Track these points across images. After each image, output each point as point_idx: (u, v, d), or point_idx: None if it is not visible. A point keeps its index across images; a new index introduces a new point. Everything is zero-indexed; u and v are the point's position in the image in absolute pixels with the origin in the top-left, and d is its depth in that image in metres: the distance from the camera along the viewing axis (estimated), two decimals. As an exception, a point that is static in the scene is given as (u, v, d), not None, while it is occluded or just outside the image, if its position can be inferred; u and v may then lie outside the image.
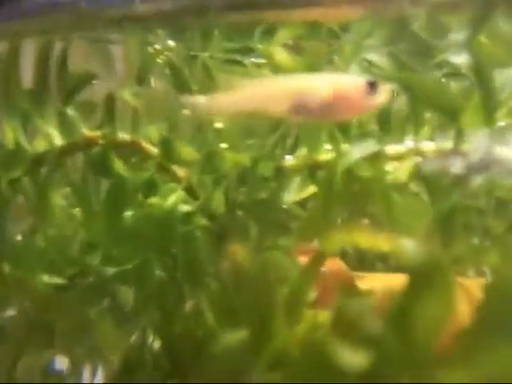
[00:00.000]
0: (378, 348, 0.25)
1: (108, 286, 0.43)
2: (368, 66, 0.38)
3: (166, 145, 0.37)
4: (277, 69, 0.37)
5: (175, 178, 0.40)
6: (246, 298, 0.29)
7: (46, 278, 0.43)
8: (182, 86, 0.41)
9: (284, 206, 0.40)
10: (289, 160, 0.40)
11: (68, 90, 0.38)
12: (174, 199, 0.40)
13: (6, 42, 0.38)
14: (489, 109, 0.34)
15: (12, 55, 0.38)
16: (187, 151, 0.37)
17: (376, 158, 0.35)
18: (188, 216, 0.41)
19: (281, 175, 0.39)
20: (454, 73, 0.38)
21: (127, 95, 0.37)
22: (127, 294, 0.43)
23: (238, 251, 0.29)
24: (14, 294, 0.43)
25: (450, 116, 0.35)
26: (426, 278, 0.25)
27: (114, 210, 0.41)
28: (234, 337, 0.30)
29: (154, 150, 0.39)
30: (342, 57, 0.38)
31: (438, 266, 0.25)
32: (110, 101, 0.37)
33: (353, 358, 0.23)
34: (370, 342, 0.26)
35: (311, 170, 0.38)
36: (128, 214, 0.42)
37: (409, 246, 0.26)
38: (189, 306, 0.42)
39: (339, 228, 0.31)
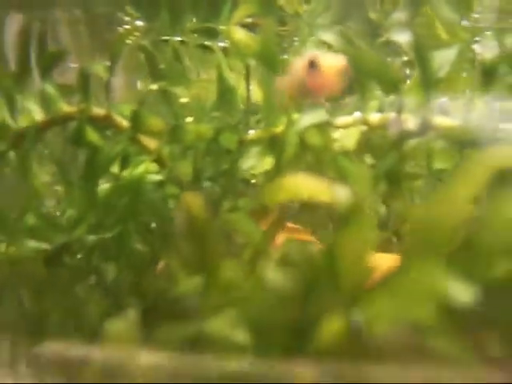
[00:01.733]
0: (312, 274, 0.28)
1: (92, 255, 0.46)
2: (321, 44, 0.41)
3: (136, 117, 0.41)
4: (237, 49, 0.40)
5: (146, 150, 0.43)
6: (198, 245, 0.32)
7: (33, 244, 0.46)
8: (153, 69, 0.45)
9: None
10: (252, 133, 0.43)
11: (44, 68, 0.42)
12: (144, 169, 0.43)
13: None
14: (426, 84, 0.37)
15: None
16: (155, 123, 0.41)
17: (325, 127, 0.38)
18: (159, 184, 0.44)
19: (243, 147, 0.42)
20: (399, 50, 0.41)
21: (99, 70, 0.40)
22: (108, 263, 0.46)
23: (192, 200, 0.32)
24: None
25: (391, 88, 0.38)
26: (349, 217, 0.28)
27: (91, 179, 0.45)
28: (191, 281, 0.33)
29: (126, 123, 0.43)
30: (298, 36, 0.42)
31: (358, 205, 0.28)
32: (83, 77, 0.41)
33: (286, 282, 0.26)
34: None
35: (270, 142, 0.41)
36: (104, 185, 0.46)
37: (342, 192, 0.30)
38: (160, 265, 0.45)
39: (283, 179, 0.33)
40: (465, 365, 0.27)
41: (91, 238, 0.46)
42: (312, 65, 0.34)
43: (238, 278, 0.30)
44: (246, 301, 0.28)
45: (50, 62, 0.43)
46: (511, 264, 0.23)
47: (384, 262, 0.29)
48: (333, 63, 0.34)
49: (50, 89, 0.43)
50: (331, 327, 0.28)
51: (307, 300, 0.27)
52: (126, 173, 0.45)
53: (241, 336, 0.28)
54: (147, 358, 0.30)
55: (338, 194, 0.30)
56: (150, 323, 0.31)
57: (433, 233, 0.27)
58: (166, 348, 0.30)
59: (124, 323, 0.29)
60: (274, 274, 0.27)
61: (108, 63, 0.43)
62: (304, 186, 0.32)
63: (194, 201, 0.30)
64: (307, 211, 0.36)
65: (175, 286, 0.34)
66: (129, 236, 0.45)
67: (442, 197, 0.28)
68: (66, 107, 0.43)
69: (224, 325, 0.29)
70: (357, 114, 0.40)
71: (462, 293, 0.23)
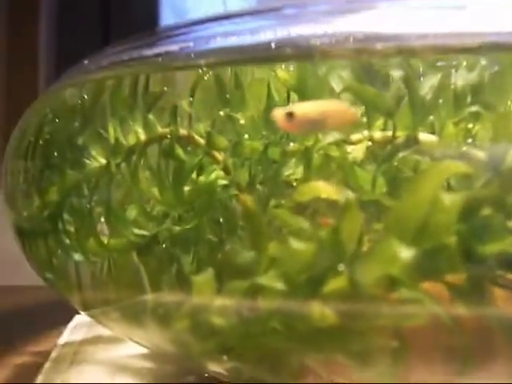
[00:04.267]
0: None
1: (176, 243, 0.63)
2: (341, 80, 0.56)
3: (208, 136, 0.58)
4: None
5: (216, 161, 0.60)
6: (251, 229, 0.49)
7: (136, 231, 0.64)
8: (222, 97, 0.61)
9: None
10: (291, 147, 0.59)
11: (148, 103, 0.60)
12: (215, 176, 0.60)
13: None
14: (415, 110, 0.52)
15: (116, 85, 0.61)
16: (222, 140, 0.57)
17: (341, 143, 0.53)
18: (225, 187, 0.61)
19: (285, 157, 0.58)
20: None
21: (184, 104, 0.58)
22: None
23: (248, 198, 0.49)
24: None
25: (386, 115, 0.52)
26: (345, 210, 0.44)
27: (178, 184, 0.62)
28: (248, 254, 0.50)
29: (202, 141, 0.59)
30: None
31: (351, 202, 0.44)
32: (174, 108, 0.58)
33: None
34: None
35: (303, 154, 0.57)
36: (187, 188, 0.63)
37: (344, 193, 0.45)
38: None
39: (307, 184, 0.49)
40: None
41: (176, 228, 0.63)
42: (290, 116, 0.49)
43: (277, 250, 0.46)
44: (282, 264, 0.45)
45: (152, 99, 0.60)
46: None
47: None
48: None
49: (151, 116, 0.60)
50: (337, 280, 0.44)
51: (321, 260, 0.43)
52: (202, 179, 0.62)
53: (279, 285, 0.44)
54: (221, 301, 0.47)
55: (341, 194, 0.45)
56: (223, 279, 0.48)
57: (399, 219, 0.43)
58: (232, 295, 0.47)
59: (205, 276, 0.46)
60: (298, 245, 0.43)
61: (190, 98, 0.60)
62: (321, 189, 0.48)
63: (248, 198, 0.47)
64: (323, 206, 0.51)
65: (237, 258, 0.51)
66: (204, 227, 0.61)
67: (408, 196, 0.43)
68: (160, 129, 0.61)
69: (269, 279, 0.45)
70: (364, 133, 0.55)
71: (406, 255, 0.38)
